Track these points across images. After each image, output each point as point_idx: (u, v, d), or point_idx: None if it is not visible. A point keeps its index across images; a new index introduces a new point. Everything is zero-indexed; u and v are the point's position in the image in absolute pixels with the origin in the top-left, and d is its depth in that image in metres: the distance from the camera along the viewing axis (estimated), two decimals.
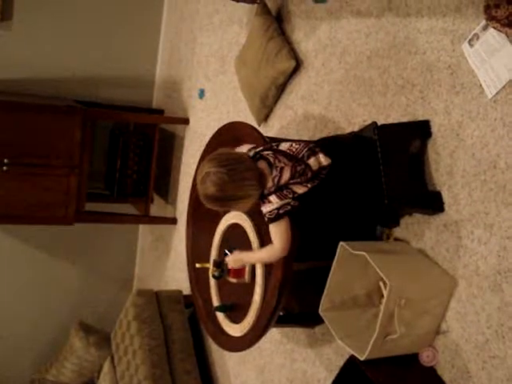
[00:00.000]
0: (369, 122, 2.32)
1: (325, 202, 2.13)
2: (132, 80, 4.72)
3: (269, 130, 3.22)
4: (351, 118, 2.59)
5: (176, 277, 4.39)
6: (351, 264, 2.16)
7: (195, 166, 2.57)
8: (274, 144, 2.11)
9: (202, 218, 2.74)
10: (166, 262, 4.63)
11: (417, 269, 2.11)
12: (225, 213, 2.52)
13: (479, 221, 1.97)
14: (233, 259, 2.31)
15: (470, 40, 2.00)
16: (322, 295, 2.22)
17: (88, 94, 4.51)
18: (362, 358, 1.99)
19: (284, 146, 2.07)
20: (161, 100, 4.80)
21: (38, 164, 3.75)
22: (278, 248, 2.03)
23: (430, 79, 2.18)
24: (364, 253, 2.01)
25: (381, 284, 2.19)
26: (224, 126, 2.60)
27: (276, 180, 1.95)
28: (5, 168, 3.64)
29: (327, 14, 2.78)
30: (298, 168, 1.98)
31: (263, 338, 2.34)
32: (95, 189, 4.56)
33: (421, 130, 2.17)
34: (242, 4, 3.29)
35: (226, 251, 2.44)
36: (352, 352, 2.06)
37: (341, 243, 2.13)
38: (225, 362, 3.62)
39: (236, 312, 2.47)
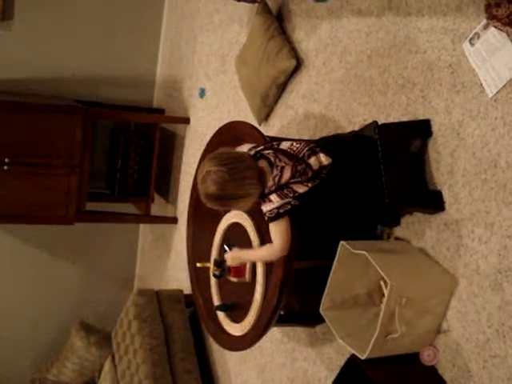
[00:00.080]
0: (369, 121, 2.32)
1: (325, 201, 2.13)
2: (132, 79, 4.72)
3: (269, 129, 3.22)
4: (352, 117, 2.59)
5: (177, 276, 4.39)
6: (352, 263, 2.16)
7: (196, 166, 2.57)
8: (274, 143, 2.11)
9: (202, 218, 2.74)
10: (167, 262, 4.63)
11: (417, 268, 2.11)
12: (225, 212, 2.52)
13: (480, 220, 1.97)
14: (231, 256, 2.31)
15: (470, 39, 2.00)
16: (322, 294, 2.22)
17: (89, 94, 4.51)
18: (362, 357, 1.99)
19: (285, 146, 2.08)
20: (161, 99, 4.80)
21: (39, 163, 3.75)
22: (278, 247, 2.03)
23: (430, 78, 2.18)
24: (365, 252, 2.01)
25: (381, 283, 2.20)
26: (225, 125, 2.60)
27: (277, 179, 1.95)
28: (5, 167, 3.64)
29: (328, 13, 2.78)
30: (299, 167, 1.98)
31: (264, 337, 2.34)
32: (96, 188, 4.56)
33: (421, 129, 2.17)
34: (243, 3, 3.29)
35: (226, 248, 2.44)
36: (353, 351, 2.06)
37: (341, 242, 2.13)
38: (225, 361, 3.62)
39: (237, 311, 2.47)
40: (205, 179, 1.91)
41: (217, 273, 2.45)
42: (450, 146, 2.08)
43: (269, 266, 2.26)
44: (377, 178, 2.05)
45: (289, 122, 3.06)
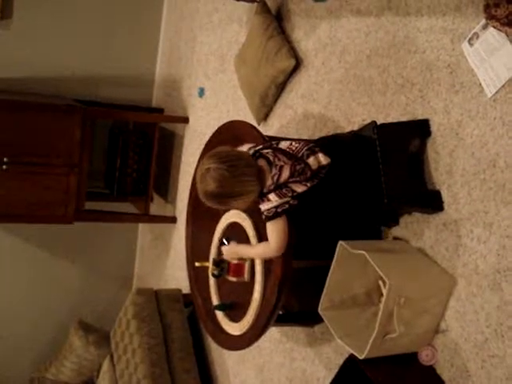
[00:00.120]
0: (368, 121, 2.32)
1: (324, 201, 2.13)
2: (132, 79, 4.72)
3: (268, 128, 3.22)
4: (351, 117, 2.59)
5: (175, 275, 4.39)
6: (350, 263, 2.16)
7: (195, 165, 2.57)
8: (273, 142, 2.11)
9: (201, 217, 2.74)
10: (166, 261, 4.63)
11: (416, 268, 2.11)
12: (225, 211, 2.52)
13: (478, 220, 1.97)
14: (228, 250, 2.33)
15: (469, 39, 2.00)
16: (321, 294, 2.22)
17: (88, 93, 4.50)
18: (361, 357, 1.99)
19: (284, 145, 2.08)
20: (160, 99, 4.80)
21: (38, 163, 3.75)
22: (274, 246, 2.03)
23: (429, 78, 2.18)
24: (363, 252, 2.01)
25: (380, 283, 2.19)
26: (224, 124, 2.60)
27: (275, 178, 1.96)
28: (4, 167, 3.64)
29: (327, 13, 2.78)
30: (298, 167, 1.98)
31: (263, 336, 2.34)
32: (95, 188, 4.55)
33: (420, 129, 2.17)
34: (242, 2, 3.29)
35: (224, 241, 2.45)
36: (351, 351, 2.06)
37: (340, 242, 2.13)
38: (224, 360, 3.62)
39: (235, 311, 2.47)
40: (204, 176, 1.91)
41: (215, 272, 2.45)
42: (448, 145, 2.08)
43: (268, 265, 2.26)
44: (376, 178, 2.05)
45: (288, 121, 3.06)
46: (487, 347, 1.93)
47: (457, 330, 2.03)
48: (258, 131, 2.35)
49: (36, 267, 4.76)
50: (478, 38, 1.97)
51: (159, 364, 3.50)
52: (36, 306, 4.82)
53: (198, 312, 2.76)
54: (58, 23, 4.39)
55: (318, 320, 2.39)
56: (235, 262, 2.35)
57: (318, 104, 2.83)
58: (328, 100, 2.75)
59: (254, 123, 3.10)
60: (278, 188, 1.97)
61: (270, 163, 1.97)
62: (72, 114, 3.76)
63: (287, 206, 1.99)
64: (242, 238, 2.39)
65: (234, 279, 2.38)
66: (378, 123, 2.14)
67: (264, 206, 1.99)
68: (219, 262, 2.44)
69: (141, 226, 5.15)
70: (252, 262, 2.33)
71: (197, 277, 2.76)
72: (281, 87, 3.08)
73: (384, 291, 2.01)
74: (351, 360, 2.15)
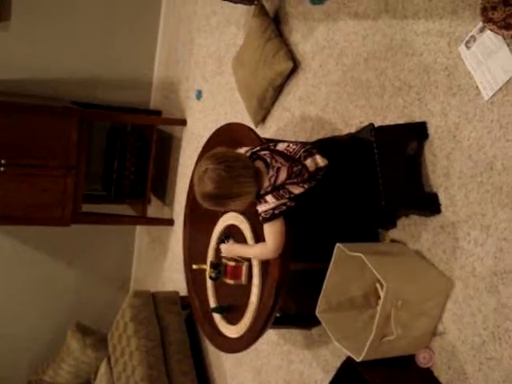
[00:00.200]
0: (366, 123, 2.32)
1: (322, 203, 2.13)
2: (130, 81, 4.72)
3: (266, 131, 3.22)
4: (348, 120, 2.59)
5: (173, 278, 4.39)
6: (348, 265, 2.16)
7: (192, 168, 2.57)
8: (270, 144, 2.11)
9: (199, 219, 2.74)
10: (163, 263, 4.63)
11: (413, 270, 2.11)
12: (222, 213, 2.51)
13: (476, 222, 1.97)
14: (226, 249, 2.34)
15: (466, 42, 2.00)
16: (318, 296, 2.22)
17: (86, 95, 4.50)
18: (358, 360, 1.99)
19: (281, 147, 2.08)
20: (158, 101, 4.80)
21: (35, 165, 3.75)
22: (271, 248, 2.04)
23: (426, 81, 2.18)
24: (361, 254, 2.01)
25: (377, 285, 2.20)
26: (221, 127, 2.60)
27: (273, 180, 1.96)
28: (2, 169, 3.64)
29: (324, 16, 2.79)
30: (295, 168, 1.98)
31: (260, 339, 2.34)
32: (92, 190, 4.56)
33: (417, 132, 2.17)
34: (240, 5, 3.29)
35: (223, 239, 2.45)
36: (349, 353, 2.06)
37: (337, 244, 2.13)
38: (221, 363, 3.62)
39: (233, 313, 2.47)
40: (202, 177, 1.92)
41: (213, 275, 2.45)
42: (446, 148, 2.09)
43: (265, 267, 2.26)
44: (373, 180, 2.05)
45: (285, 124, 3.07)
46: (484, 350, 1.93)
47: (454, 333, 2.04)
48: (255, 133, 2.35)
49: (33, 269, 4.75)
50: (475, 40, 1.97)
51: (156, 366, 3.50)
52: (33, 309, 4.81)
53: (195, 314, 2.76)
54: (56, 25, 4.39)
55: (315, 322, 2.39)
56: (232, 264, 2.35)
57: (315, 106, 2.83)
58: (325, 102, 2.75)
59: (252, 125, 3.10)
60: (275, 190, 1.97)
61: (267, 165, 1.97)
62: (69, 116, 3.76)
63: (284, 207, 1.99)
64: (240, 240, 2.39)
65: (231, 282, 2.38)
66: (376, 126, 2.14)
67: (261, 208, 1.99)
68: (216, 265, 2.44)
69: (138, 228, 5.15)
70: (249, 264, 2.33)
71: (194, 279, 2.75)
72: (278, 90, 3.08)
73: (381, 294, 2.01)
74: (348, 362, 2.15)
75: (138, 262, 5.17)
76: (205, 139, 2.68)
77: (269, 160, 1.98)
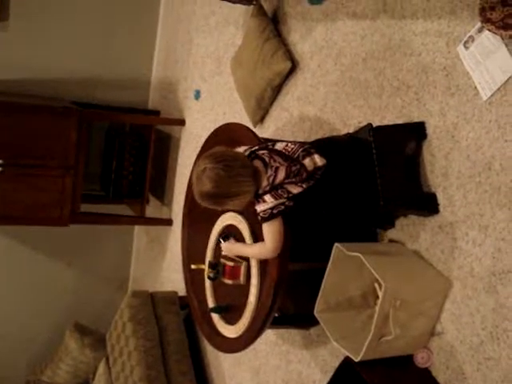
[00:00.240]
0: (364, 123, 2.32)
1: (320, 202, 2.13)
2: (128, 81, 4.72)
3: (264, 131, 3.22)
4: (346, 120, 2.59)
5: (171, 278, 4.38)
6: (346, 265, 2.16)
7: (191, 167, 2.57)
8: (269, 144, 2.11)
9: (197, 219, 2.74)
10: (162, 263, 4.62)
11: (412, 270, 2.11)
12: (221, 213, 2.51)
13: (474, 222, 1.97)
14: (226, 247, 2.34)
15: (465, 42, 2.00)
16: (317, 296, 2.22)
17: (85, 95, 4.50)
18: (356, 360, 1.99)
19: (279, 146, 2.08)
20: (157, 101, 4.80)
21: (34, 165, 3.75)
22: (270, 247, 2.04)
23: (425, 81, 2.18)
24: (359, 254, 2.01)
25: (376, 285, 2.20)
26: (220, 127, 2.60)
27: (271, 179, 1.96)
28: (0, 169, 3.63)
29: (323, 16, 2.79)
30: (293, 168, 1.98)
31: (258, 339, 2.34)
32: (91, 190, 4.55)
33: (416, 132, 2.17)
34: (238, 5, 3.29)
35: (222, 238, 2.45)
36: (347, 353, 2.06)
37: (336, 244, 2.14)
38: (220, 363, 3.62)
39: (231, 313, 2.46)
40: (200, 177, 1.92)
41: (211, 275, 2.45)
42: (444, 148, 2.09)
43: (263, 268, 2.26)
44: (371, 180, 2.05)
45: (284, 124, 3.07)
46: (483, 350, 1.93)
47: (452, 333, 2.04)
48: (253, 133, 2.35)
49: (31, 269, 4.75)
50: (473, 41, 1.97)
51: (155, 366, 3.50)
52: (32, 308, 4.81)
53: (193, 314, 2.76)
54: (55, 25, 4.38)
55: (313, 322, 2.39)
56: (231, 264, 2.35)
57: (313, 106, 2.83)
58: (324, 102, 2.76)
59: (250, 126, 3.10)
60: (274, 189, 1.97)
61: (265, 164, 1.97)
62: (68, 116, 3.76)
63: (283, 207, 1.99)
64: (239, 240, 2.39)
65: (229, 282, 2.38)
66: (374, 126, 2.14)
67: (260, 208, 1.99)
68: (215, 265, 2.44)
69: (137, 228, 5.14)
70: (248, 264, 2.33)
71: (193, 279, 2.75)
72: (277, 90, 3.08)
73: (380, 293, 2.01)
74: (347, 362, 2.15)
75: (137, 262, 5.16)
76: (203, 139, 2.68)
77: (267, 159, 1.98)
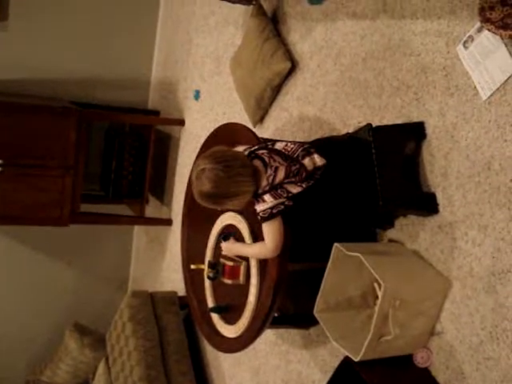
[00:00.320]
0: (364, 123, 2.32)
1: (320, 202, 2.13)
2: (128, 81, 4.72)
3: (264, 131, 3.22)
4: (346, 120, 2.59)
5: (171, 278, 4.39)
6: (346, 265, 2.16)
7: (191, 167, 2.57)
8: (268, 143, 2.11)
9: (197, 219, 2.74)
10: (161, 263, 4.62)
11: (411, 270, 2.11)
12: (220, 213, 2.51)
13: (473, 222, 1.97)
14: (227, 247, 2.34)
15: (464, 42, 2.00)
16: (316, 296, 2.22)
17: (84, 95, 4.50)
18: (356, 359, 1.99)
19: (279, 146, 2.08)
20: (156, 101, 4.80)
21: (34, 165, 3.75)
22: (270, 247, 2.04)
23: (424, 81, 2.18)
24: (359, 254, 2.01)
25: (375, 285, 2.20)
26: (219, 127, 2.60)
27: (270, 179, 1.96)
28: (0, 169, 3.63)
29: (323, 16, 2.79)
30: (293, 168, 1.98)
31: (258, 339, 2.34)
32: (91, 190, 4.55)
33: (415, 132, 2.17)
34: (238, 5, 3.29)
35: (224, 237, 2.45)
36: (346, 353, 2.06)
37: (335, 244, 2.14)
38: (220, 363, 3.62)
39: (231, 313, 2.46)
40: (199, 177, 1.92)
41: (211, 275, 2.45)
42: (443, 148, 2.09)
43: (263, 267, 2.26)
44: (371, 180, 2.05)
45: (283, 124, 3.07)
46: (482, 349, 1.93)
47: (452, 333, 2.04)
48: (253, 133, 2.35)
49: (31, 269, 4.75)
50: (472, 40, 1.97)
51: (155, 366, 3.50)
52: (31, 308, 4.81)
53: (193, 314, 2.76)
54: (55, 25, 4.39)
55: (313, 322, 2.39)
56: (230, 264, 2.35)
57: (313, 106, 2.83)
58: (323, 102, 2.76)
59: (250, 126, 3.10)
60: (273, 189, 1.97)
61: (265, 164, 1.97)
62: (67, 116, 3.76)
63: (282, 207, 1.99)
64: (238, 240, 2.39)
65: (229, 282, 2.38)
66: (374, 126, 2.14)
67: (259, 207, 1.99)
68: (214, 265, 2.44)
69: (136, 228, 5.15)
70: (247, 264, 2.33)
71: (192, 279, 2.75)
72: (276, 90, 3.08)
73: (379, 293, 2.01)
74: (346, 362, 2.15)
75: (136, 261, 5.16)
76: (203, 139, 2.68)
77: (267, 159, 1.98)
